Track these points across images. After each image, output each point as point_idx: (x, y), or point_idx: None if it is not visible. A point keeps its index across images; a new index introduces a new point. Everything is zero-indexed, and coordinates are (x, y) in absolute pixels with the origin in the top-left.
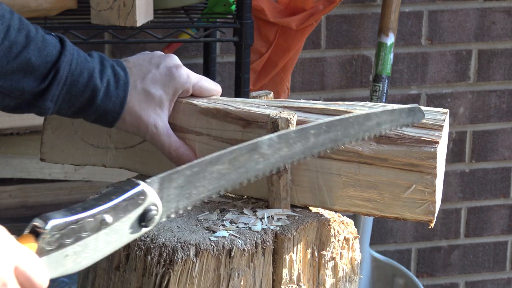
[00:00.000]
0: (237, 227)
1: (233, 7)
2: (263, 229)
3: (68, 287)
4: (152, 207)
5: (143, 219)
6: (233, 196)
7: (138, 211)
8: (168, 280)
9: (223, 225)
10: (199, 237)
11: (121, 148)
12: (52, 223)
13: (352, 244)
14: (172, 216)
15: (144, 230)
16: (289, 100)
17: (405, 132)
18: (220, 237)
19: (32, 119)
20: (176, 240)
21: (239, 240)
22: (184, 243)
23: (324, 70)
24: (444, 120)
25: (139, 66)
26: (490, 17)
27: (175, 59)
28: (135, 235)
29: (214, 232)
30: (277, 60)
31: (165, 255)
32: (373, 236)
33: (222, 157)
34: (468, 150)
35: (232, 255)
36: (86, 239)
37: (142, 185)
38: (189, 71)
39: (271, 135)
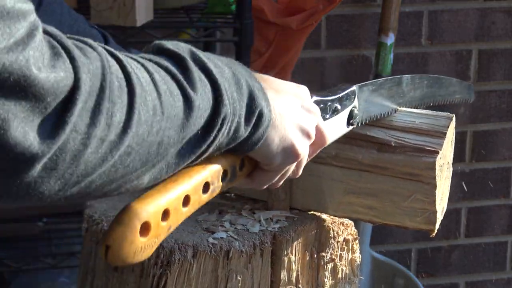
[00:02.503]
0: (235, 228)
1: (233, 7)
2: (261, 230)
3: (68, 287)
4: (355, 109)
5: (351, 117)
6: (232, 197)
7: (349, 108)
8: (166, 281)
9: (222, 226)
10: (197, 238)
11: None
12: (314, 98)
13: (352, 246)
14: (360, 124)
15: (350, 127)
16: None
17: (405, 140)
18: (218, 238)
19: None
20: (173, 241)
21: (237, 242)
22: (182, 244)
23: (324, 70)
24: (447, 127)
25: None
26: (490, 17)
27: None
28: (347, 130)
29: (213, 233)
30: (277, 60)
31: (162, 256)
32: (373, 236)
33: (386, 83)
34: (468, 150)
35: (230, 256)
36: (326, 122)
37: (354, 87)
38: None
39: (407, 76)
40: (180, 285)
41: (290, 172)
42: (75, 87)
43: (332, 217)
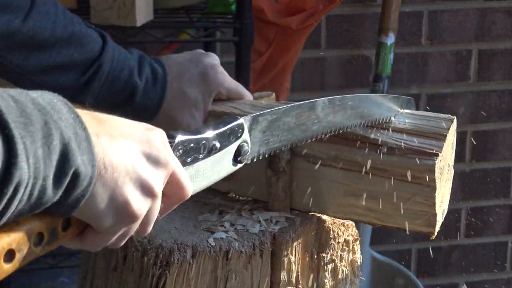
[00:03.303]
0: (235, 229)
1: (233, 7)
2: (261, 231)
3: (67, 287)
4: (245, 144)
5: (239, 154)
6: (232, 197)
7: (236, 143)
8: (165, 281)
9: (222, 226)
10: (197, 238)
11: None
12: (179, 138)
13: (353, 247)
14: (254, 160)
15: (239, 165)
16: (295, 103)
17: (406, 142)
18: (218, 238)
19: None
20: (173, 241)
21: (237, 242)
22: (181, 244)
23: (324, 70)
24: (448, 129)
25: (178, 65)
26: (490, 17)
27: (213, 59)
28: (233, 169)
29: (212, 233)
30: (277, 60)
31: (161, 256)
32: (373, 236)
33: (291, 110)
34: (468, 150)
35: (229, 256)
36: (199, 163)
37: (242, 119)
38: (225, 74)
39: (324, 99)
40: (179, 285)
41: (131, 232)
42: None
43: (332, 218)
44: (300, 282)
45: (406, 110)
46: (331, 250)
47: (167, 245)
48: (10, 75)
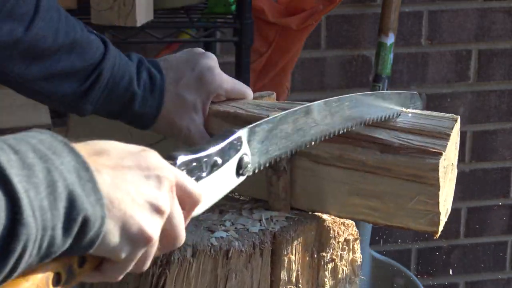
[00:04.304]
0: (236, 228)
1: (233, 7)
2: (261, 230)
3: None
4: (245, 156)
5: (240, 167)
6: (233, 196)
7: (237, 157)
8: (165, 280)
9: (223, 225)
10: (197, 237)
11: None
12: (181, 159)
13: (353, 246)
14: (256, 171)
15: (241, 178)
16: (298, 102)
17: (409, 141)
18: (218, 237)
19: (33, 119)
20: None
21: (237, 241)
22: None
23: (324, 70)
24: (452, 128)
25: (175, 68)
26: (490, 17)
27: (210, 60)
28: (237, 182)
29: (213, 232)
30: (277, 60)
31: (161, 255)
32: (373, 236)
33: (287, 117)
34: (468, 150)
35: (229, 256)
36: (203, 181)
37: (239, 132)
38: (223, 75)
39: (319, 102)
40: (180, 285)
41: (152, 254)
42: None
43: (332, 217)
44: (300, 281)
45: (410, 110)
46: (331, 250)
47: None
48: (9, 84)
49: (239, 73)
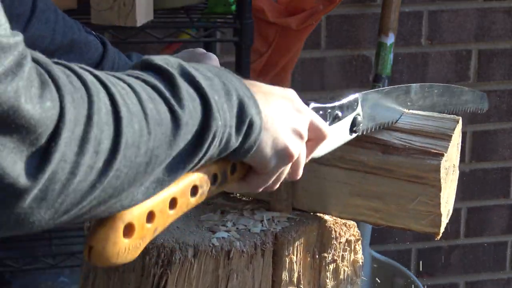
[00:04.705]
0: (237, 228)
1: (233, 7)
2: (263, 230)
3: (68, 287)
4: (358, 116)
5: (354, 124)
6: (234, 197)
7: (353, 115)
8: (166, 280)
9: (224, 226)
10: (198, 238)
11: None
12: (312, 105)
13: (354, 247)
14: (364, 133)
15: (354, 135)
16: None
17: (411, 142)
18: (220, 238)
19: None
20: (174, 241)
21: (238, 242)
22: (182, 244)
23: (324, 70)
24: (453, 129)
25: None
26: (490, 17)
27: (212, 61)
28: (350, 137)
29: (214, 232)
30: (277, 60)
31: (163, 256)
32: (373, 236)
33: (392, 91)
34: (468, 150)
35: (230, 256)
36: None
37: (357, 94)
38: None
39: (416, 84)
40: (181, 285)
41: (285, 174)
42: (60, 117)
43: (334, 218)
44: (302, 282)
45: (411, 111)
46: (332, 250)
47: (168, 244)
48: None
49: (239, 73)
